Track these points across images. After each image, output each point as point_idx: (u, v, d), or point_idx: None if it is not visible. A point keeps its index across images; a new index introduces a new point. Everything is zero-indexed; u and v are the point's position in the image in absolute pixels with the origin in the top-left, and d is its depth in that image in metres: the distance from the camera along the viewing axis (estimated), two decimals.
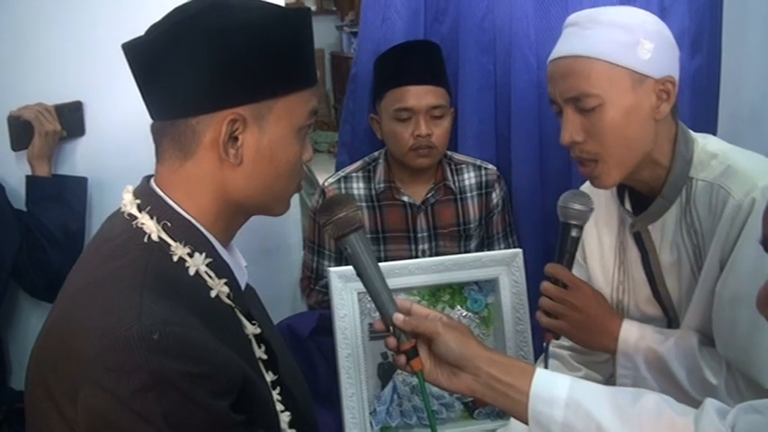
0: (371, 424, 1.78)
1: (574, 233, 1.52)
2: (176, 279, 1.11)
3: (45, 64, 2.18)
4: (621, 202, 1.61)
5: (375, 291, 1.27)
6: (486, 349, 1.24)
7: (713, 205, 1.44)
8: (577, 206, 1.51)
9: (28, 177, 2.19)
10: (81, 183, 2.26)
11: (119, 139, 2.20)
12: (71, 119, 2.23)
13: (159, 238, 1.13)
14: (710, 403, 1.11)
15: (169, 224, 1.15)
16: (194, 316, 1.08)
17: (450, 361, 1.23)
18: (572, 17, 1.52)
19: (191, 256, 1.14)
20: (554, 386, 1.17)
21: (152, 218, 1.15)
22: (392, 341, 1.26)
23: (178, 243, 1.14)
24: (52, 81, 2.20)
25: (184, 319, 1.05)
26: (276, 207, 1.26)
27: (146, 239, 1.13)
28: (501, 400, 1.20)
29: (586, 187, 1.64)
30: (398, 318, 1.25)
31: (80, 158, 2.29)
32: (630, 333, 1.51)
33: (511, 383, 1.19)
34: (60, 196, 2.20)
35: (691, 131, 1.54)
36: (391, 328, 1.26)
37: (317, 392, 1.82)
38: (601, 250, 1.68)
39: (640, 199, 1.56)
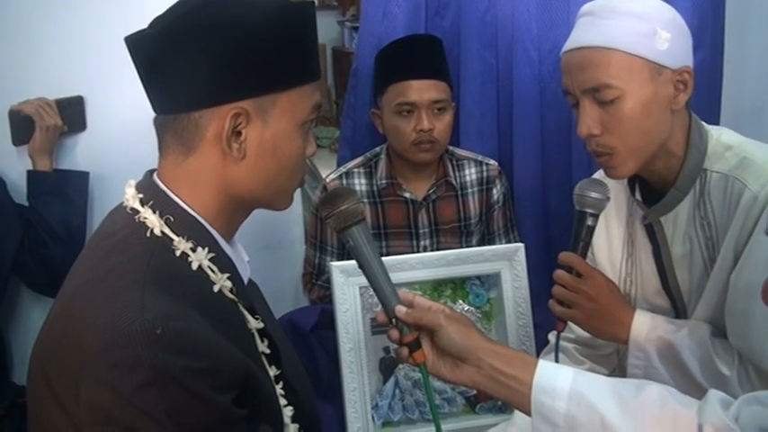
0: (373, 418, 1.78)
1: (589, 222, 1.50)
2: (179, 274, 1.11)
3: (46, 58, 2.18)
4: (632, 193, 1.60)
5: (377, 283, 1.27)
6: (488, 341, 1.24)
7: (728, 197, 1.44)
8: (594, 194, 1.49)
9: (29, 172, 2.19)
10: (82, 177, 2.26)
11: (120, 134, 2.20)
12: (72, 113, 2.23)
13: (162, 232, 1.13)
14: (714, 395, 1.11)
15: (172, 219, 1.14)
16: (196, 311, 1.08)
17: (453, 353, 1.22)
18: (587, 7, 1.49)
19: (193, 250, 1.14)
20: (557, 378, 1.16)
21: (155, 212, 1.14)
22: (395, 333, 1.26)
23: (181, 238, 1.13)
24: (53, 76, 2.19)
25: (186, 315, 1.05)
26: (279, 201, 1.26)
27: (148, 234, 1.13)
28: (504, 391, 1.20)
29: (598, 176, 1.63)
30: (401, 310, 1.25)
31: (81, 153, 2.29)
32: (643, 323, 1.51)
33: (514, 375, 1.18)
34: (61, 191, 2.20)
35: (704, 123, 1.54)
36: (394, 320, 1.26)
37: (319, 387, 1.82)
38: (609, 242, 1.67)
39: (652, 190, 1.56)
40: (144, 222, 1.14)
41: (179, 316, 1.04)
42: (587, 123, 1.44)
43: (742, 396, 1.10)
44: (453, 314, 1.27)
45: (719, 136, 1.51)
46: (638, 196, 1.59)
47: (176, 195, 1.17)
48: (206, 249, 1.15)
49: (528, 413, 1.17)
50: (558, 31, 2.27)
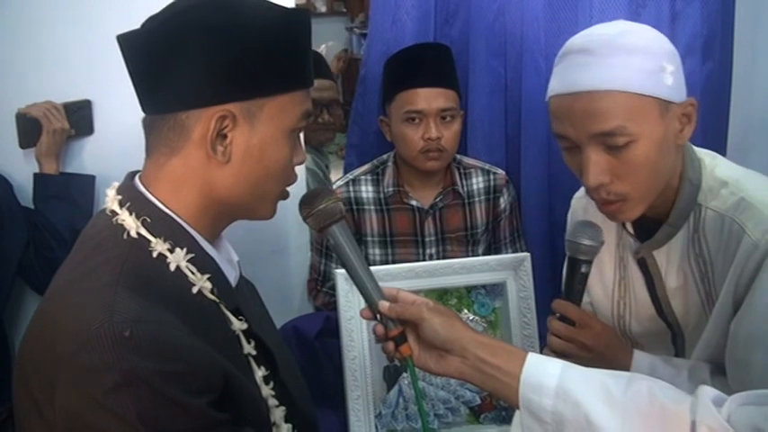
0: (377, 427, 1.77)
1: (583, 269, 1.46)
2: (155, 275, 1.11)
3: (54, 62, 2.18)
4: (623, 225, 1.56)
5: (360, 280, 1.28)
6: (472, 332, 1.23)
7: (725, 238, 1.38)
8: (587, 242, 1.45)
9: (35, 175, 2.19)
10: (88, 181, 2.26)
11: (127, 138, 2.18)
12: (80, 117, 2.23)
13: (138, 234, 1.13)
14: (706, 392, 1.09)
15: (149, 220, 1.14)
16: (172, 313, 1.07)
17: (437, 344, 1.22)
18: (579, 43, 1.37)
19: (171, 251, 1.14)
20: (545, 373, 1.15)
21: (131, 214, 1.14)
22: (380, 329, 1.27)
23: (158, 239, 1.13)
24: (61, 79, 2.19)
25: (158, 317, 1.05)
26: (261, 209, 1.26)
27: (125, 236, 1.13)
28: (489, 382, 1.19)
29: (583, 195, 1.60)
30: (384, 305, 1.26)
31: (88, 157, 2.29)
32: (642, 367, 1.48)
33: (498, 366, 1.17)
34: (67, 194, 2.20)
35: (696, 150, 1.47)
36: (378, 315, 1.27)
37: (323, 394, 1.81)
38: (600, 266, 1.62)
39: (642, 222, 1.49)
40: (122, 224, 1.14)
41: (150, 318, 1.03)
42: (596, 173, 1.34)
43: (732, 396, 1.08)
44: (436, 306, 1.27)
45: (713, 168, 1.44)
46: (629, 228, 1.55)
47: (155, 197, 1.17)
48: (184, 250, 1.15)
49: (515, 405, 1.16)
50: (566, 39, 2.27)
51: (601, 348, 1.46)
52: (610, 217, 1.44)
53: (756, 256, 1.32)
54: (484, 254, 2.28)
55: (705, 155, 1.48)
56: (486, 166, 2.32)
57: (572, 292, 1.48)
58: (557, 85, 1.38)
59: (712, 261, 1.43)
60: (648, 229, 1.50)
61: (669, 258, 1.49)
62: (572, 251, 1.48)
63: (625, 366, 1.48)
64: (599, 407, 1.10)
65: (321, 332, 1.98)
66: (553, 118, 1.40)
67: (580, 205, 1.71)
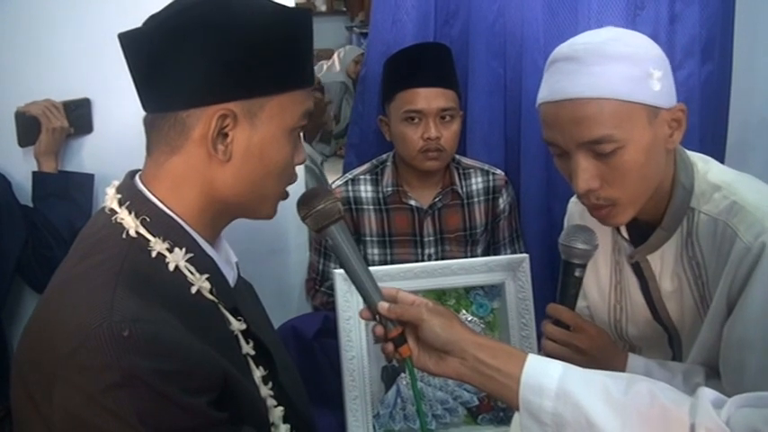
0: (375, 427, 1.77)
1: (577, 273, 1.46)
2: (154, 275, 1.11)
3: (53, 60, 2.18)
4: (617, 229, 1.56)
5: (359, 280, 1.28)
6: (472, 333, 1.23)
7: (718, 242, 1.38)
8: (581, 245, 1.45)
9: (34, 173, 2.19)
10: (87, 180, 2.26)
11: (126, 137, 2.18)
12: (79, 116, 2.23)
13: (138, 233, 1.13)
14: (706, 393, 1.09)
15: (148, 219, 1.14)
16: (171, 313, 1.07)
17: (437, 346, 1.22)
18: (565, 51, 1.37)
19: (170, 251, 1.13)
20: (545, 375, 1.14)
21: (131, 213, 1.14)
22: (379, 329, 1.26)
23: (157, 238, 1.13)
24: (60, 77, 2.19)
25: (157, 316, 1.05)
26: (262, 209, 1.25)
27: (124, 235, 1.12)
28: (488, 384, 1.18)
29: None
30: (383, 306, 1.25)
31: (87, 155, 2.29)
32: (636, 371, 1.47)
33: (498, 367, 1.17)
34: (66, 193, 2.20)
35: (689, 154, 1.48)
36: (377, 316, 1.26)
37: (321, 395, 1.81)
38: (596, 270, 1.63)
39: (636, 226, 1.50)
40: (121, 223, 1.14)
41: (148, 318, 1.03)
42: (585, 179, 1.35)
43: (732, 398, 1.08)
44: (436, 308, 1.26)
45: (706, 173, 1.44)
46: (624, 233, 1.55)
47: (155, 196, 1.17)
48: (183, 250, 1.14)
49: (514, 407, 1.16)
50: (566, 40, 2.27)
51: (595, 352, 1.46)
52: (601, 221, 1.44)
53: (749, 259, 1.32)
54: (482, 254, 2.28)
55: (698, 159, 1.48)
56: (486, 167, 2.32)
57: (566, 297, 1.48)
58: (545, 93, 1.39)
59: (706, 265, 1.43)
60: (643, 233, 1.50)
61: (663, 262, 1.50)
62: (566, 255, 1.48)
63: (619, 370, 1.48)
64: (599, 408, 1.09)
65: (319, 332, 1.99)
66: (543, 125, 1.41)
67: (576, 209, 1.71)
